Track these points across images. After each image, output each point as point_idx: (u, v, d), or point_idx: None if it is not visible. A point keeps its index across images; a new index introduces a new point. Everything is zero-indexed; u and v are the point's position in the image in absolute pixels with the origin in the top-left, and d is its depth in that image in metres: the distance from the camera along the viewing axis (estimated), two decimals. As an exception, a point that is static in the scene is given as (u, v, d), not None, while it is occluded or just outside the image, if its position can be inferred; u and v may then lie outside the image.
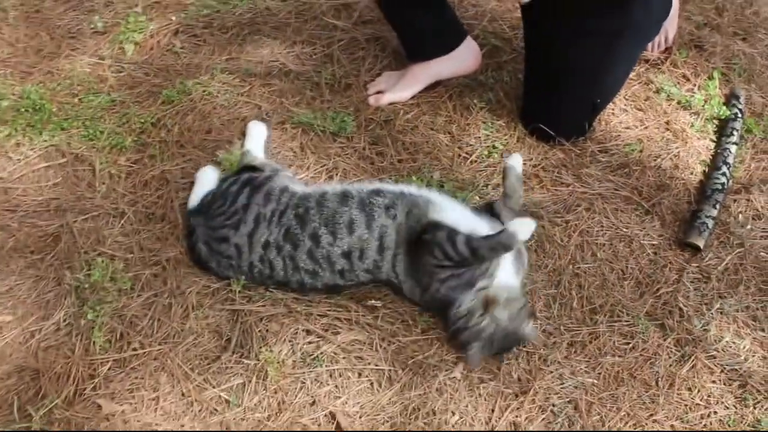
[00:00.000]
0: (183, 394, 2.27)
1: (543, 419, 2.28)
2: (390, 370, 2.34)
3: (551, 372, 2.37)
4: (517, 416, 2.28)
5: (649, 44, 3.21)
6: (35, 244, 2.58)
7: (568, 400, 2.32)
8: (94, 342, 2.34)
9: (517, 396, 2.32)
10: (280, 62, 3.18)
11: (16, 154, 2.81)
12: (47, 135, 2.84)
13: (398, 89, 3.02)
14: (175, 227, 2.61)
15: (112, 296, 2.44)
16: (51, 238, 2.60)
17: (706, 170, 2.92)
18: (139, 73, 3.12)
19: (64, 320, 2.40)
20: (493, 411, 2.28)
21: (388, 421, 2.25)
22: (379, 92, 3.03)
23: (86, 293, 2.44)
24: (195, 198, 2.59)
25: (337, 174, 2.77)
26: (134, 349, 2.34)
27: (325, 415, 2.25)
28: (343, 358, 2.36)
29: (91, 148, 2.82)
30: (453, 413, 2.28)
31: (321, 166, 2.80)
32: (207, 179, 2.64)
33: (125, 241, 2.59)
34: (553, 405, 2.31)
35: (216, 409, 2.25)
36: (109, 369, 2.30)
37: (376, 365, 2.35)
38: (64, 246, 2.56)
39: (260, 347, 2.35)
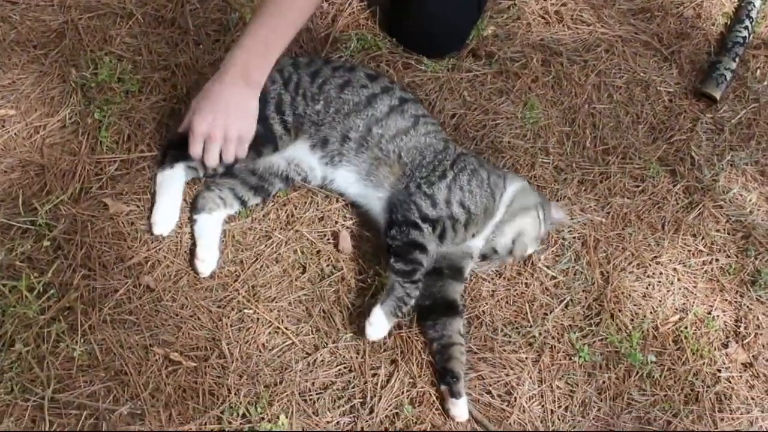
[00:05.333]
0: (188, 202, 2.24)
1: (552, 251, 2.29)
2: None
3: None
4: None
5: None
6: (38, 39, 2.47)
7: (576, 235, 2.33)
8: (100, 142, 2.28)
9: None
10: None
11: (15, -56, 2.66)
12: (49, -75, 2.69)
13: None
14: (185, 33, 2.52)
15: (119, 97, 2.36)
16: (55, 33, 2.49)
17: (728, 22, 2.86)
18: None
19: (70, 118, 2.32)
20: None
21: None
22: None
23: (93, 92, 2.36)
24: (161, 216, 2.18)
25: None
26: (141, 151, 2.29)
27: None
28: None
29: (97, -58, 2.68)
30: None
31: None
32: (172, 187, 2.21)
33: (133, 42, 2.49)
34: (563, 239, 2.31)
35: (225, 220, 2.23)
36: (116, 169, 2.25)
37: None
38: (68, 43, 2.46)
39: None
